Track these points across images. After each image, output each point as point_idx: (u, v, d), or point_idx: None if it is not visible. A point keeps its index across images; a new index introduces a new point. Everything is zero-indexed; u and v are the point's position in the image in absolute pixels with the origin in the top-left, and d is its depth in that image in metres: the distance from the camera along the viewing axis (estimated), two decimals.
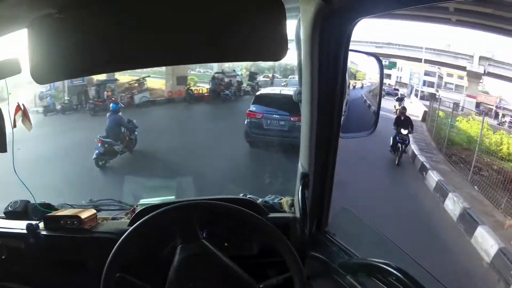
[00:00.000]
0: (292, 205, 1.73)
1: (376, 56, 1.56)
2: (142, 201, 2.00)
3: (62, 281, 1.78)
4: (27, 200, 2.07)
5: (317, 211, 1.60)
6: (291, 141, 8.62)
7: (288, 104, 8.66)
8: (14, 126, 1.67)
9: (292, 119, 9.03)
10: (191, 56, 1.16)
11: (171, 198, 1.86)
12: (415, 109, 15.92)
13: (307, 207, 1.52)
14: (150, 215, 1.41)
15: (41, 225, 1.81)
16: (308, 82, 1.39)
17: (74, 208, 1.95)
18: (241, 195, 1.77)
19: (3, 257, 1.85)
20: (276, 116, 9.24)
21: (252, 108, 9.61)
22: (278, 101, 9.50)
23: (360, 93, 1.56)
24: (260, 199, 1.79)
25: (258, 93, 11.14)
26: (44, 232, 1.78)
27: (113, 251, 1.34)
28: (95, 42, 1.10)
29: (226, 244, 1.65)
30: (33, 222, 1.78)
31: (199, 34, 1.07)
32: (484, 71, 17.67)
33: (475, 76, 18.32)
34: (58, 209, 2.02)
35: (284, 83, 18.38)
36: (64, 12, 1.09)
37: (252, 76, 18.69)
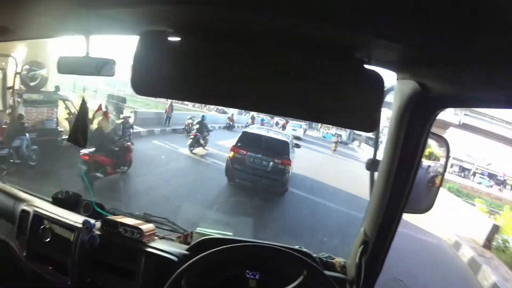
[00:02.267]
0: (344, 266, 1.74)
1: (445, 139, 1.59)
2: (199, 229, 2.00)
3: (105, 282, 1.79)
4: (78, 194, 2.14)
5: (368, 277, 1.59)
6: (270, 182, 9.00)
7: (273, 146, 9.56)
8: (91, 123, 1.77)
9: (275, 160, 9.28)
10: (288, 109, 1.15)
11: (229, 234, 1.91)
12: None
13: (361, 273, 1.53)
14: (216, 249, 1.42)
15: (98, 224, 1.84)
16: (389, 156, 1.44)
17: (126, 216, 1.98)
18: (297, 247, 1.76)
19: (46, 240, 1.88)
20: (259, 155, 9.38)
21: (238, 143, 9.76)
22: (263, 142, 9.83)
23: (425, 171, 1.62)
24: (314, 255, 1.79)
25: (244, 130, 11.21)
26: (98, 232, 1.80)
27: (175, 274, 1.36)
28: (200, 71, 1.12)
29: None
30: (91, 221, 1.81)
31: (301, 90, 1.09)
32: None
33: None
34: (109, 212, 2.07)
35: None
36: (178, 33, 1.12)
37: None
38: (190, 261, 1.38)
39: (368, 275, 1.59)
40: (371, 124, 1.10)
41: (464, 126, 18.81)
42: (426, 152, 1.73)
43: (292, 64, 1.10)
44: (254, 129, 11.41)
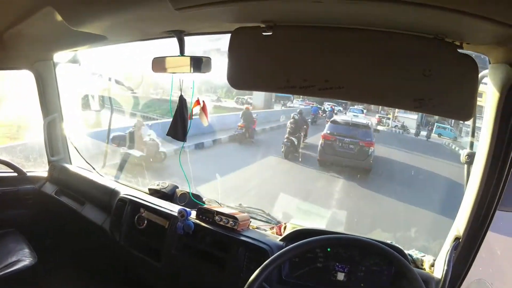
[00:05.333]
0: (433, 265, 1.65)
1: None
2: (293, 221, 1.98)
3: (198, 269, 1.82)
4: (175, 185, 2.20)
5: (455, 276, 1.51)
6: (358, 163, 9.69)
7: (357, 130, 10.29)
8: (190, 118, 1.76)
9: (360, 143, 9.90)
10: (384, 99, 1.18)
11: (322, 227, 1.89)
12: None
13: (450, 271, 1.44)
14: (309, 239, 1.40)
15: (193, 213, 1.87)
16: (484, 147, 1.32)
17: (223, 207, 1.99)
18: (389, 241, 1.70)
19: (141, 227, 1.97)
20: (346, 139, 10.01)
21: (327, 131, 10.39)
22: (349, 127, 10.49)
23: None
24: (406, 251, 1.70)
25: (332, 118, 11.86)
26: (193, 221, 1.84)
27: (266, 262, 1.34)
28: (293, 62, 1.17)
29: (362, 284, 1.62)
30: (187, 209, 1.84)
31: (396, 79, 1.11)
32: None
33: None
34: (206, 203, 2.10)
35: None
36: (271, 28, 1.16)
37: None
38: (282, 250, 1.37)
39: (456, 274, 1.49)
40: (467, 112, 1.07)
41: None
42: None
43: (384, 52, 1.10)
44: (340, 117, 12.74)
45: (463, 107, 1.07)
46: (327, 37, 1.14)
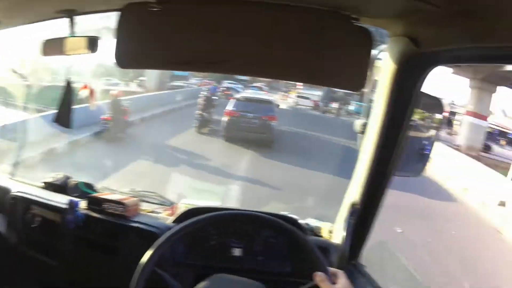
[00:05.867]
0: (331, 231, 1.68)
1: (441, 100, 1.52)
2: (185, 201, 1.94)
3: (91, 261, 1.72)
4: (67, 175, 2.03)
5: (355, 242, 1.55)
6: (261, 136, 10.28)
7: (260, 106, 10.94)
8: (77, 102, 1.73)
9: (263, 117, 10.53)
10: (275, 72, 1.19)
11: (215, 204, 1.89)
12: None
13: (349, 236, 1.48)
14: (197, 218, 1.34)
15: (83, 203, 1.74)
16: (377, 116, 1.35)
17: (115, 193, 1.87)
18: (284, 213, 1.73)
19: (35, 226, 1.81)
20: (249, 115, 10.56)
21: (231, 108, 10.85)
22: (252, 103, 11.12)
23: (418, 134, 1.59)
24: (301, 220, 1.74)
25: (236, 95, 12.52)
26: (84, 211, 1.72)
27: (155, 246, 1.27)
28: (185, 39, 1.12)
29: (260, 257, 1.62)
30: (75, 199, 1.71)
31: (286, 52, 1.10)
32: None
33: None
34: (98, 192, 1.95)
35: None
36: (161, 4, 1.10)
37: None
38: (169, 232, 1.32)
39: (356, 239, 1.55)
40: (359, 83, 1.10)
41: None
42: (421, 115, 1.70)
43: (277, 26, 1.09)
44: (243, 94, 13.34)
45: (355, 79, 1.11)
46: (217, 11, 1.11)
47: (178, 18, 1.13)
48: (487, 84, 17.88)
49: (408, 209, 7.00)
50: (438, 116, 1.55)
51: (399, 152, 1.39)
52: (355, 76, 1.10)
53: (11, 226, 1.93)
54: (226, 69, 1.20)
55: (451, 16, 0.97)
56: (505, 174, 11.65)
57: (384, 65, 1.31)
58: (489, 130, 20.96)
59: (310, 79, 1.16)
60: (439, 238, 6.36)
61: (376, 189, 1.47)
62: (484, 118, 18.62)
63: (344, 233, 1.48)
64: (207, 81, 20.69)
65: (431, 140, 1.54)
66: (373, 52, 1.11)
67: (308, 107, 20.68)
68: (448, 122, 24.80)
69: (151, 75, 17.84)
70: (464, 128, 19.14)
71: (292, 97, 22.16)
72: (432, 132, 1.54)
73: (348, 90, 1.19)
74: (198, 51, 1.13)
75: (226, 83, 20.72)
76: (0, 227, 1.95)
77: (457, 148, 16.51)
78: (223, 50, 1.12)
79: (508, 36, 0.87)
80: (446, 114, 25.09)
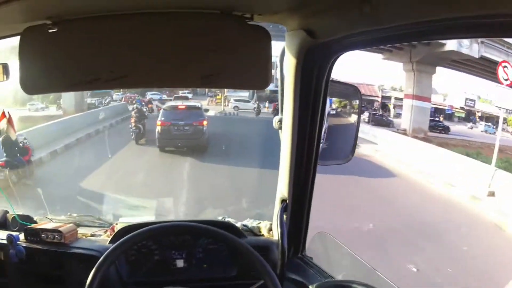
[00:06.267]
0: (270, 229, 1.70)
1: (356, 87, 1.60)
2: (122, 220, 1.93)
3: None
4: (5, 210, 1.94)
5: (295, 235, 1.59)
6: (195, 141, 10.66)
7: (189, 112, 11.25)
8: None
9: (194, 123, 10.80)
10: (177, 80, 1.23)
11: (151, 218, 1.86)
12: None
13: (285, 231, 1.51)
14: (130, 235, 1.34)
15: (22, 236, 1.68)
16: (289, 111, 1.38)
17: (53, 222, 1.82)
18: (220, 218, 1.75)
19: None
20: (181, 122, 10.78)
21: (162, 118, 10.99)
22: (181, 111, 11.43)
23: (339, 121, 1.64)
24: (239, 223, 1.76)
25: (164, 106, 12.53)
26: (24, 244, 1.66)
27: (94, 269, 1.26)
28: (84, 59, 1.12)
29: (204, 265, 1.64)
30: (14, 233, 1.65)
31: (185, 59, 1.11)
32: None
33: None
34: (37, 222, 1.88)
35: None
36: (57, 25, 1.09)
37: None
38: (105, 253, 1.31)
39: (294, 232, 1.59)
40: (263, 81, 1.12)
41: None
42: (341, 103, 1.75)
43: (172, 34, 1.11)
44: (171, 102, 13.78)
45: (258, 77, 1.12)
46: (111, 25, 1.12)
47: (74, 38, 1.12)
48: (424, 66, 18.37)
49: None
50: (356, 102, 1.60)
51: (318, 142, 1.43)
52: (258, 74, 1.12)
53: None
54: (128, 84, 1.25)
55: (343, 4, 1.02)
56: (462, 152, 12.03)
57: (285, 59, 1.35)
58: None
59: (214, 83, 1.16)
60: (454, 259, 5.96)
61: (303, 181, 1.50)
62: (426, 99, 19.01)
63: (279, 229, 1.51)
64: (130, 94, 20.19)
65: (354, 126, 1.58)
66: (273, 48, 1.14)
67: (250, 111, 19.97)
68: (383, 107, 25.68)
69: (66, 96, 16.16)
70: (406, 112, 19.31)
71: (230, 102, 21.63)
72: (354, 118, 1.59)
73: (253, 88, 1.21)
74: (98, 69, 1.11)
75: (149, 95, 20.29)
76: None
77: (403, 132, 16.93)
78: (123, 65, 1.11)
79: (392, 17, 0.93)
80: (379, 100, 26.06)
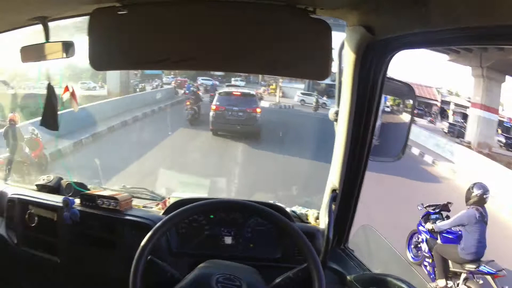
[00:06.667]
0: (317, 217, 1.74)
1: (410, 86, 1.57)
2: (174, 195, 2.01)
3: (90, 255, 1.78)
4: (60, 177, 2.10)
5: (340, 226, 1.61)
6: (248, 128, 10.81)
7: (244, 99, 11.39)
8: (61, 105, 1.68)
9: (248, 110, 10.98)
10: (241, 66, 1.26)
11: (204, 195, 1.97)
12: None
13: (332, 221, 1.53)
14: (185, 207, 1.39)
15: (77, 201, 1.81)
16: (346, 104, 1.40)
17: (106, 190, 1.94)
18: (271, 201, 1.78)
19: (33, 225, 1.88)
20: (235, 108, 10.97)
21: (217, 102, 11.20)
22: (236, 97, 11.56)
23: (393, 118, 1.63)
24: (288, 208, 1.80)
25: (220, 91, 12.80)
26: (79, 208, 1.78)
27: (149, 234, 1.33)
28: (153, 39, 1.18)
29: (251, 245, 1.70)
30: (70, 197, 1.78)
31: (251, 46, 1.16)
32: None
33: None
34: (90, 190, 2.01)
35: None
36: (127, 7, 1.16)
37: None
38: (160, 221, 1.38)
39: (341, 223, 1.61)
40: (323, 72, 1.15)
41: None
42: (395, 102, 1.75)
43: (239, 22, 1.16)
44: (225, 89, 14.03)
45: (318, 68, 1.16)
46: (181, 11, 1.17)
47: (145, 20, 1.19)
48: (495, 73, 15.85)
49: None
50: (410, 101, 1.60)
51: (371, 137, 1.44)
52: (318, 66, 1.16)
53: (10, 227, 2.00)
54: (196, 66, 1.28)
55: (402, 4, 1.03)
56: None
57: (345, 54, 1.37)
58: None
59: (275, 70, 1.21)
60: None
61: (354, 174, 1.52)
62: (494, 111, 16.44)
63: (327, 219, 1.53)
64: (180, 78, 20.40)
65: (406, 125, 1.58)
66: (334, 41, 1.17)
67: (310, 105, 18.90)
68: (442, 112, 23.63)
69: (111, 76, 15.99)
70: (472, 123, 16.66)
71: (298, 95, 20.71)
72: (406, 117, 1.58)
73: (313, 79, 1.25)
74: (168, 50, 1.18)
75: (200, 80, 20.42)
76: (1, 230, 2.03)
77: (468, 145, 14.93)
78: (190, 48, 1.17)
79: (448, 20, 0.92)
80: (438, 104, 23.74)
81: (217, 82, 21.14)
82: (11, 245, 2.00)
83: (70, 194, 2.02)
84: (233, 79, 20.95)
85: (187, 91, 14.12)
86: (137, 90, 17.97)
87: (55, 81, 1.63)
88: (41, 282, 2.08)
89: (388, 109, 1.61)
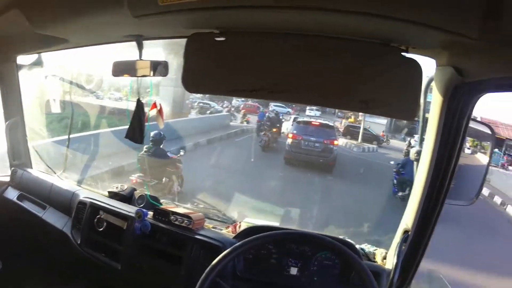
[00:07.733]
0: (385, 257, 1.70)
1: (490, 127, 1.52)
2: (247, 220, 2.04)
3: (155, 268, 1.83)
4: (134, 187, 2.21)
5: (406, 268, 1.56)
6: (323, 159, 10.46)
7: (322, 130, 11.10)
8: (146, 120, 1.72)
9: (325, 141, 10.67)
10: (332, 101, 1.27)
11: (275, 224, 1.99)
12: None
13: (399, 263, 1.48)
14: (260, 235, 1.43)
15: (150, 214, 1.88)
16: (429, 144, 1.37)
17: (178, 207, 2.00)
18: (341, 237, 1.76)
19: (100, 229, 1.96)
20: (312, 138, 10.74)
21: (294, 131, 11.14)
22: (314, 127, 11.32)
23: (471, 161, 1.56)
24: (357, 245, 1.77)
25: (298, 119, 12.62)
26: (151, 221, 1.85)
27: (220, 256, 1.37)
28: (246, 69, 1.20)
29: (315, 278, 1.69)
30: (143, 209, 1.85)
31: (340, 82, 1.16)
32: None
33: None
34: (162, 204, 2.10)
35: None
36: (224, 34, 1.20)
37: None
38: (232, 246, 1.41)
39: (407, 266, 1.55)
40: (411, 112, 1.13)
41: None
42: (473, 143, 1.68)
43: (332, 57, 1.16)
44: (304, 118, 13.89)
45: (407, 108, 1.14)
46: (277, 42, 1.18)
47: (242, 49, 1.21)
48: None
49: None
50: (488, 143, 1.53)
51: (450, 180, 1.40)
52: (406, 105, 1.14)
53: (76, 227, 2.11)
54: (289, 98, 1.29)
55: (491, 47, 1.02)
56: None
57: (433, 93, 1.35)
58: None
59: (364, 108, 1.18)
60: None
61: (428, 216, 1.47)
62: None
63: (395, 260, 1.49)
64: (251, 103, 19.66)
65: (483, 168, 1.53)
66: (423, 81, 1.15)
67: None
68: None
69: (164, 95, 13.34)
70: None
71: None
72: (484, 159, 1.53)
73: (401, 118, 1.21)
74: (260, 80, 1.19)
75: (272, 106, 19.68)
76: (67, 229, 2.17)
77: None
78: (285, 80, 1.18)
79: None
80: None
81: (290, 110, 20.93)
82: (73, 244, 2.11)
83: (142, 205, 2.11)
84: (307, 108, 20.74)
85: (258, 119, 13.83)
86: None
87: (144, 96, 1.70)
88: (98, 283, 2.19)
89: (468, 151, 1.55)
